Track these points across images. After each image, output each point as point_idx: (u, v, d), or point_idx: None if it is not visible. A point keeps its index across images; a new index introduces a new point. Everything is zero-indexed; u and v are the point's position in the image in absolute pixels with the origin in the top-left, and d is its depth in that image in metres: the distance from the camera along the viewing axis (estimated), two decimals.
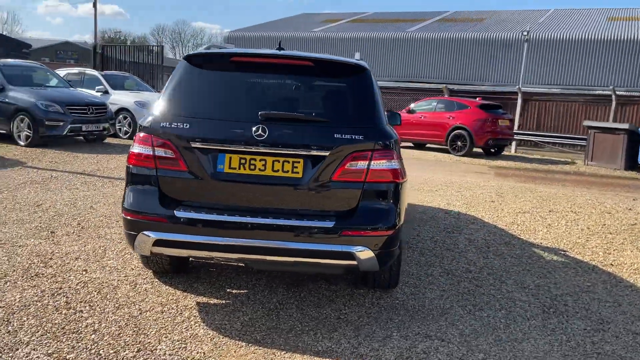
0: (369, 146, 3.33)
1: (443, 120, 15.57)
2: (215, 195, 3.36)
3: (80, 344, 3.04)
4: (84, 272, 4.13)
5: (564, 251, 5.54)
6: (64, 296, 3.66)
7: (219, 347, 3.12)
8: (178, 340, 3.15)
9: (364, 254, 3.29)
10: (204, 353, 3.04)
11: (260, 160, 3.32)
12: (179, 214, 3.29)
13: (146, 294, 3.79)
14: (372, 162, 3.34)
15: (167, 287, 3.95)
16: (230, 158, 3.33)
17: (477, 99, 16.69)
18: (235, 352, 3.07)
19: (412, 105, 16.94)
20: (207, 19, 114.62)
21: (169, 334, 3.23)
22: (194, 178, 3.35)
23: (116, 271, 4.19)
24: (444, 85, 20.33)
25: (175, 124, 3.36)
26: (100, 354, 2.94)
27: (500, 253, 5.33)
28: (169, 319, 3.43)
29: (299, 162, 3.31)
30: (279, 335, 3.29)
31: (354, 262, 3.31)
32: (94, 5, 40.08)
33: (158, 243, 3.32)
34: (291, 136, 3.31)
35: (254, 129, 3.28)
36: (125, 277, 4.08)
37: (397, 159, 3.48)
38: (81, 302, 3.60)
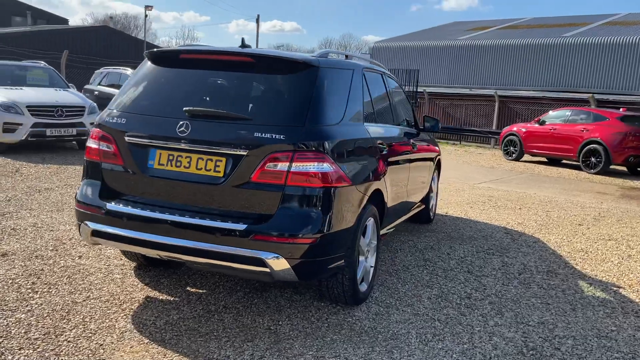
0: (290, 147, 3.10)
1: (575, 133, 13.94)
2: (145, 191, 3.39)
3: (5, 321, 3.26)
4: (77, 258, 4.43)
5: (618, 288, 4.60)
6: (37, 277, 3.96)
7: (121, 340, 3.12)
8: (91, 330, 3.22)
9: (277, 262, 3.06)
10: (102, 344, 3.06)
11: (186, 157, 3.27)
12: (110, 206, 3.37)
13: (109, 284, 3.94)
14: (294, 164, 3.10)
15: (134, 279, 4.07)
16: (160, 154, 3.33)
17: (621, 109, 14.66)
18: (131, 347, 3.05)
19: (543, 116, 15.45)
20: (377, 32, 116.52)
21: (90, 323, 3.31)
22: (129, 172, 3.41)
23: (106, 260, 4.43)
24: (591, 94, 18.20)
25: (116, 119, 3.47)
26: (11, 332, 3.12)
27: (528, 282, 4.60)
28: (105, 309, 3.52)
29: (221, 160, 3.20)
30: (189, 338, 3.20)
31: (267, 270, 3.10)
32: (257, 21, 43.29)
33: (94, 234, 3.43)
34: (212, 133, 3.21)
35: (178, 125, 3.24)
36: (107, 266, 4.30)
37: (330, 162, 3.19)
38: (46, 284, 3.86)
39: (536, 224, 6.91)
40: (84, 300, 3.62)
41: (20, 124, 9.60)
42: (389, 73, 5.11)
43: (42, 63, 12.38)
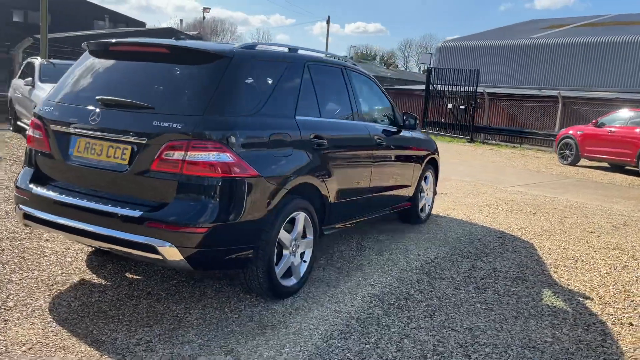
0: (185, 136, 3.12)
1: (634, 136, 12.94)
2: (67, 177, 3.54)
3: None
4: (45, 240, 4.69)
5: (586, 299, 4.25)
6: None
7: (28, 317, 3.27)
8: (8, 306, 3.39)
9: (169, 250, 3.10)
10: (7, 320, 3.21)
11: (98, 145, 3.38)
12: (35, 191, 3.55)
13: (55, 266, 4.14)
14: (189, 154, 3.12)
15: (82, 263, 4.25)
16: (79, 142, 3.47)
17: None
18: (32, 324, 3.18)
19: (602, 118, 14.47)
20: (461, 32, 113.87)
21: (11, 300, 3.49)
22: (54, 159, 3.58)
23: (68, 244, 4.65)
24: None
25: (47, 108, 3.65)
26: None
27: (486, 287, 4.35)
28: (34, 288, 3.70)
29: (127, 148, 3.28)
30: (91, 320, 3.30)
31: (160, 257, 3.15)
32: (327, 23, 43.57)
33: (25, 217, 3.63)
34: (118, 122, 3.30)
35: (91, 113, 3.37)
36: (65, 250, 4.51)
37: (231, 152, 3.18)
38: None
39: (541, 229, 6.49)
40: (20, 280, 3.83)
41: None
42: (355, 68, 4.99)
43: None
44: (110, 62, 3.69)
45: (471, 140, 21.30)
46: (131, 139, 3.25)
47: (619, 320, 3.87)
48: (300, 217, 3.82)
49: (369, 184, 4.81)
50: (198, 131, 3.14)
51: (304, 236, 3.95)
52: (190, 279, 4.05)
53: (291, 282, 3.84)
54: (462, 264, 4.91)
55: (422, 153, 5.97)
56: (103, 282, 3.92)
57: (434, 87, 23.08)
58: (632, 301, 4.25)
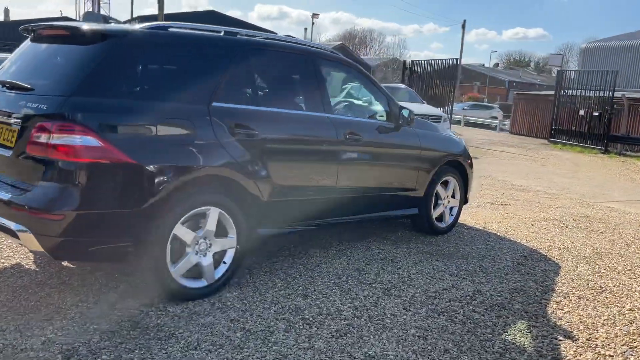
0: (50, 118, 2.97)
1: None
2: None
3: None
4: None
5: (567, 339, 3.35)
6: None
7: None
8: None
9: (26, 235, 2.98)
10: None
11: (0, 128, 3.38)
12: None
13: (7, 249, 4.26)
14: (54, 136, 2.96)
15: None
16: None
17: None
18: None
19: None
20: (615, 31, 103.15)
21: None
22: None
23: None
24: None
25: None
26: None
27: (446, 311, 3.63)
28: None
29: (15, 131, 3.22)
30: None
31: (21, 242, 3.03)
32: (462, 27, 41.94)
33: None
34: (7, 103, 3.25)
35: None
36: None
37: (97, 136, 2.96)
38: None
39: (590, 251, 5.36)
40: None
41: None
42: (334, 56, 4.48)
43: None
44: (33, 45, 3.67)
45: (605, 151, 18.85)
46: (14, 120, 3.18)
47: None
48: (212, 213, 3.48)
49: (335, 184, 4.28)
50: (62, 113, 2.97)
51: (222, 235, 3.60)
52: (121, 273, 3.90)
53: (200, 284, 3.51)
54: (441, 282, 4.17)
55: (434, 154, 5.23)
56: (33, 268, 3.93)
57: (564, 92, 20.90)
58: (631, 348, 3.24)
